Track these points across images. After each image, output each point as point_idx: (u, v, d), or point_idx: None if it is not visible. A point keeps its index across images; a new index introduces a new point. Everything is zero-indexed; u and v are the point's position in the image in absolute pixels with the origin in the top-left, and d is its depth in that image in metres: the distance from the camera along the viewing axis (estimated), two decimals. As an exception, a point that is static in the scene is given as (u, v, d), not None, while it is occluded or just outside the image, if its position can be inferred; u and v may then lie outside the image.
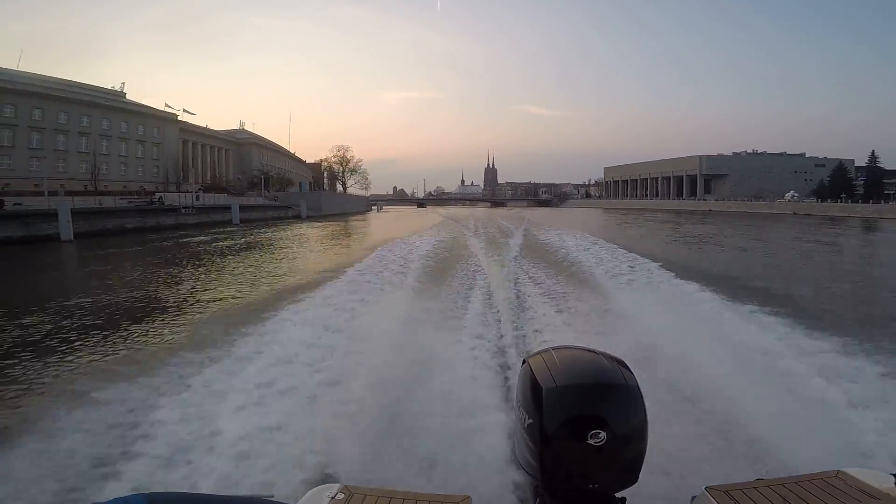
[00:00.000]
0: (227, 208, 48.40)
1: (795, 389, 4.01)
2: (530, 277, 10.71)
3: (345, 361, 4.95)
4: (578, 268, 12.15)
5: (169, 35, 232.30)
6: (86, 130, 56.43)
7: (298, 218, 55.96)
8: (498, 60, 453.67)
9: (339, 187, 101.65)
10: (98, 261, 20.63)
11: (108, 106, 59.69)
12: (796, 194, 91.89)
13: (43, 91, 52.16)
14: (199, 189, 59.52)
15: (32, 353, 6.88)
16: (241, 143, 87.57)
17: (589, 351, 2.00)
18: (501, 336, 6.26)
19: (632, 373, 1.85)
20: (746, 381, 4.09)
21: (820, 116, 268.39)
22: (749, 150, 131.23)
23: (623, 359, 1.94)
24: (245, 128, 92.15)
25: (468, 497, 1.82)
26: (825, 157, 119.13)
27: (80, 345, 7.37)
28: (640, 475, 1.80)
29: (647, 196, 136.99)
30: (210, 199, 52.67)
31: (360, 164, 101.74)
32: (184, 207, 43.90)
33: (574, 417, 1.73)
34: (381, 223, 50.23)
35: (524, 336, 6.23)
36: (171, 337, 7.66)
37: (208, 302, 10.76)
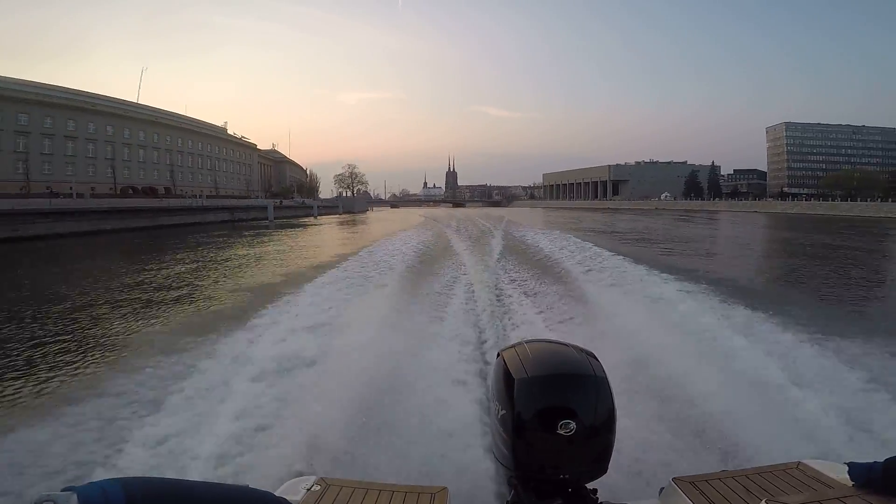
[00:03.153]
0: (335, 207, 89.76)
1: (760, 382, 4.05)
2: (509, 275, 10.72)
3: (324, 355, 4.96)
4: (555, 265, 12.12)
5: (139, 28, 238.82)
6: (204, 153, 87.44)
7: (351, 212, 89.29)
8: (461, 61, 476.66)
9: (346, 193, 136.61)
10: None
11: (218, 137, 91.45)
12: (668, 195, 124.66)
13: (186, 126, 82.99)
14: (268, 194, 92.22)
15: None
16: (278, 161, 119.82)
17: (560, 343, 2.06)
18: (481, 331, 6.26)
19: (601, 364, 1.90)
20: (713, 375, 4.13)
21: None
22: (647, 160, 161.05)
23: (592, 351, 1.99)
24: (276, 149, 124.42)
25: (445, 488, 1.86)
26: (700, 164, 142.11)
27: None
28: (610, 466, 1.85)
29: (574, 197, 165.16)
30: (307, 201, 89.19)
31: (363, 176, 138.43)
32: (317, 205, 79.42)
33: (544, 408, 1.77)
34: (386, 215, 75.91)
35: (503, 330, 6.23)
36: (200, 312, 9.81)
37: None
